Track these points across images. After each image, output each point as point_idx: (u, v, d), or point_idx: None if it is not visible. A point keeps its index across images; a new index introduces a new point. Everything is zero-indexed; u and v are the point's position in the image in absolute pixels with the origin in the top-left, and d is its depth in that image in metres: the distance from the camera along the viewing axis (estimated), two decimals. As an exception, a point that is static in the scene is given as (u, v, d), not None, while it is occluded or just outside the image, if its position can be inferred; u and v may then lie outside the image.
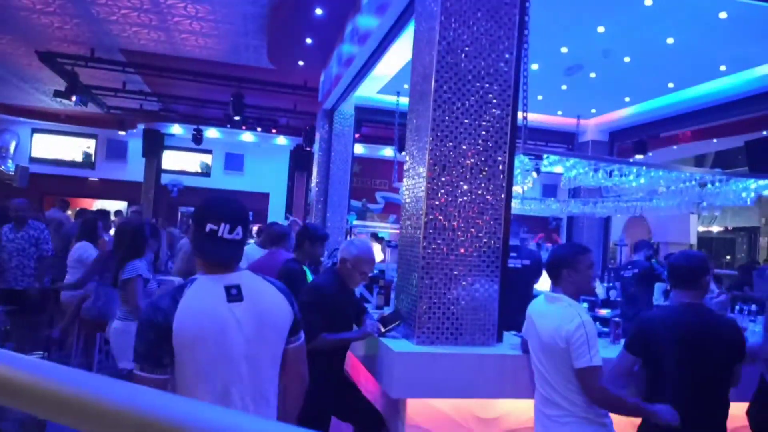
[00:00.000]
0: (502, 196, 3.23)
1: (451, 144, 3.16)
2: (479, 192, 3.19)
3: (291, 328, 1.92)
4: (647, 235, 14.29)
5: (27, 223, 5.85)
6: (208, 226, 1.78)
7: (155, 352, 1.67)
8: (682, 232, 13.69)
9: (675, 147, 11.82)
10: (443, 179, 3.14)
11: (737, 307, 5.41)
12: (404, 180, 3.52)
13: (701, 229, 16.19)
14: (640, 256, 5.44)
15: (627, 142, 9.06)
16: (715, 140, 11.06)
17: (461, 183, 3.16)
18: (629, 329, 2.84)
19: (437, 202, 3.13)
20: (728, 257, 16.92)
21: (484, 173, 3.20)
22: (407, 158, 3.51)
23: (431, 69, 3.17)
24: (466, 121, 3.18)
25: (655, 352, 2.62)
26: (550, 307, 2.68)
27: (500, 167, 3.22)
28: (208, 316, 1.72)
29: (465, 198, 3.17)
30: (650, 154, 11.73)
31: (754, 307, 4.92)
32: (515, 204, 8.77)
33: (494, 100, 3.22)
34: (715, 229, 16.56)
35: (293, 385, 2.01)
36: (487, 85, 3.21)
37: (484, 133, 3.20)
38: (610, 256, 10.16)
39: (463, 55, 3.18)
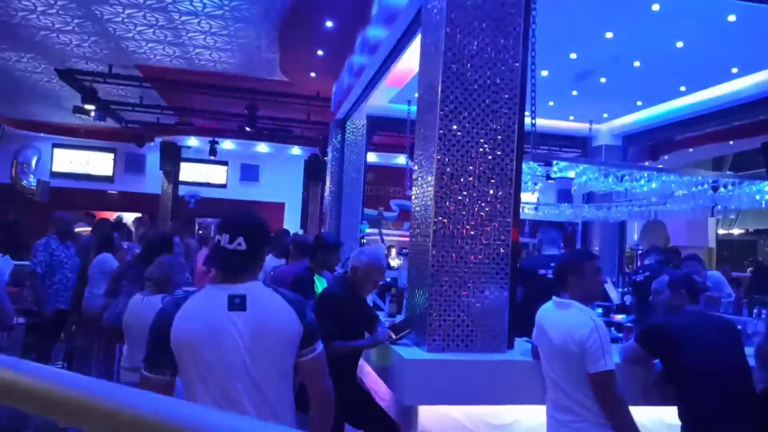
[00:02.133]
0: (511, 203, 3.25)
1: (458, 153, 3.20)
2: (488, 200, 3.22)
3: (302, 340, 1.90)
4: (664, 239, 14.15)
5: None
6: (216, 237, 1.90)
7: (156, 354, 1.77)
8: (700, 235, 13.55)
9: (691, 150, 11.70)
10: (451, 187, 3.18)
11: (755, 311, 5.34)
12: (413, 189, 3.57)
13: (722, 231, 15.99)
14: (650, 260, 5.43)
15: (641, 146, 9.01)
16: (731, 142, 10.93)
17: (469, 191, 3.20)
18: (645, 327, 2.93)
19: (446, 210, 3.17)
20: (750, 259, 16.66)
21: (492, 181, 3.23)
22: (416, 167, 3.55)
23: (437, 79, 3.22)
24: (473, 130, 3.22)
25: (678, 355, 2.69)
26: (561, 313, 2.69)
27: (508, 174, 3.25)
28: (204, 322, 1.78)
29: (473, 206, 3.20)
30: (666, 157, 11.65)
31: (769, 309, 4.86)
32: (529, 210, 8.77)
33: (501, 109, 3.25)
34: (736, 231, 16.34)
35: (315, 400, 1.98)
36: (494, 94, 3.25)
37: (491, 141, 3.24)
38: (627, 261, 10.08)
39: (469, 65, 3.22)
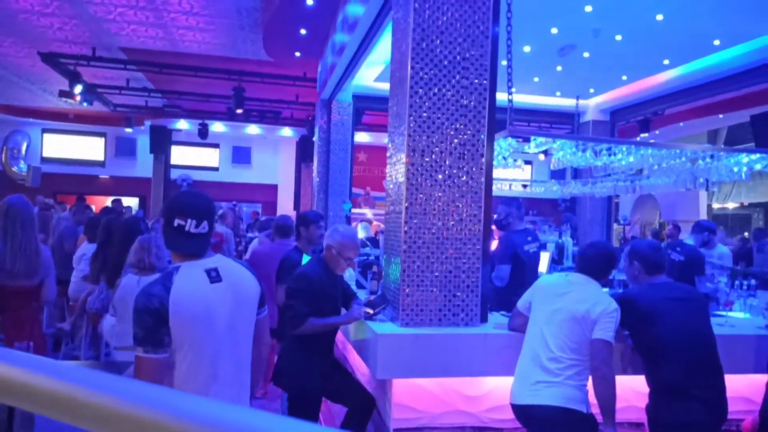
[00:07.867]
0: (482, 179, 3.27)
1: (429, 129, 3.20)
2: (460, 176, 3.24)
3: (259, 301, 2.12)
4: (656, 214, 14.19)
5: None
6: (176, 221, 1.93)
7: (156, 335, 1.82)
8: (691, 209, 13.58)
9: (681, 124, 11.68)
10: (423, 164, 3.19)
11: (736, 283, 5.39)
12: (387, 167, 3.58)
13: (717, 205, 16.01)
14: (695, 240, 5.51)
15: (630, 121, 8.97)
16: (721, 116, 10.91)
17: (441, 167, 3.21)
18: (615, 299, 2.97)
19: (417, 187, 3.18)
20: (746, 233, 16.72)
21: (463, 157, 3.24)
22: (389, 145, 3.56)
23: (407, 56, 3.21)
24: (443, 106, 3.22)
25: (650, 328, 2.77)
26: (587, 286, 2.82)
27: (479, 150, 3.26)
28: (197, 299, 1.89)
29: (445, 182, 3.22)
30: (657, 132, 11.61)
31: (753, 281, 4.90)
32: (518, 187, 8.78)
33: (472, 85, 3.25)
34: (731, 205, 16.36)
35: (262, 350, 2.24)
36: (464, 70, 3.24)
37: (462, 117, 3.24)
38: (615, 235, 10.11)
39: (438, 41, 3.21)
